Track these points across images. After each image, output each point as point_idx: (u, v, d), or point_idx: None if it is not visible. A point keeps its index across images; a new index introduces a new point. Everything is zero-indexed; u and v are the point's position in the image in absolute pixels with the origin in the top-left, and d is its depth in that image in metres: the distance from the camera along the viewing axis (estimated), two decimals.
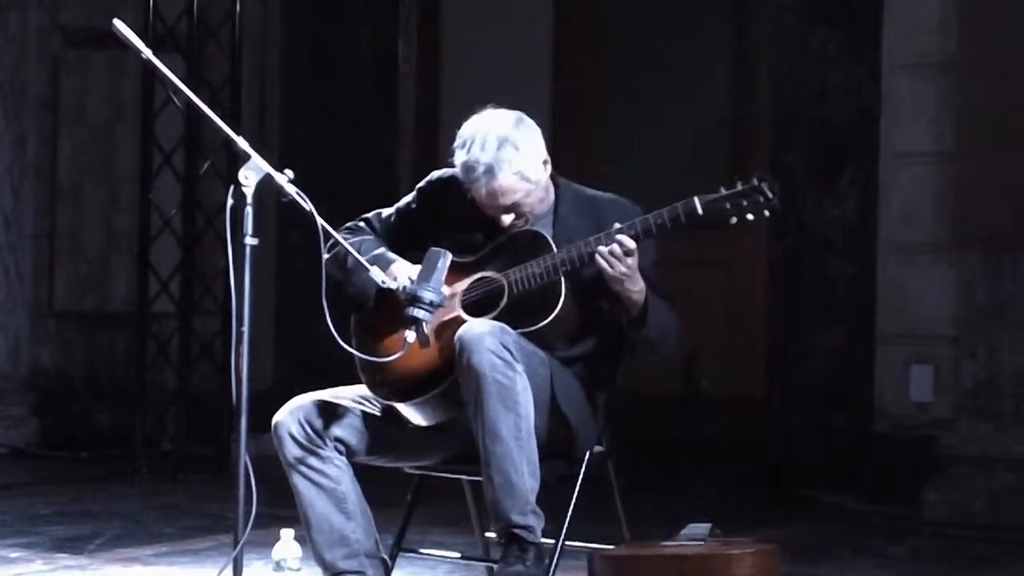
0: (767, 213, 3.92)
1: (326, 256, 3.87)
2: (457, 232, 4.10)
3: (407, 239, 4.16)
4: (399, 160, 8.23)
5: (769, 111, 7.40)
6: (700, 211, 3.90)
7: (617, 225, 3.92)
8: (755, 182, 3.91)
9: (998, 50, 6.31)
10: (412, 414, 4.00)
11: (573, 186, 4.17)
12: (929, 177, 6.65)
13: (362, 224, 4.23)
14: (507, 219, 4.06)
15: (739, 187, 3.91)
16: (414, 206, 4.22)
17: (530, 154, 4.02)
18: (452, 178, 4.15)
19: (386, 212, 4.25)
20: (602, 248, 3.89)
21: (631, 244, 3.89)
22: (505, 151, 3.98)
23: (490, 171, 3.97)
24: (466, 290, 4.04)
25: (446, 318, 3.97)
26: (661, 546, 3.90)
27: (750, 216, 3.91)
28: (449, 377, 3.89)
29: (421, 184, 4.24)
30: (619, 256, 3.88)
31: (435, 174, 4.24)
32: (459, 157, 4.03)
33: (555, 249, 3.98)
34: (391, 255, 4.07)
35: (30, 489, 6.91)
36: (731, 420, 7.29)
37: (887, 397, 6.75)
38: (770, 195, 3.90)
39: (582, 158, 6.94)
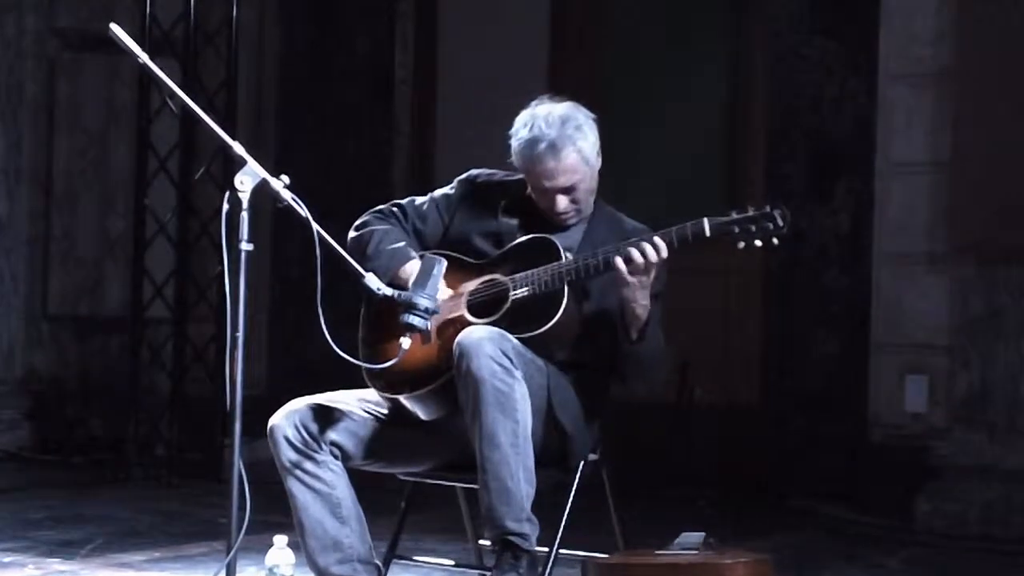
0: (775, 241, 3.90)
1: (353, 234, 4.04)
2: (483, 232, 4.12)
3: (437, 229, 4.18)
4: (395, 165, 8.24)
5: (765, 120, 7.41)
6: (708, 233, 3.89)
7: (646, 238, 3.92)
8: (767, 209, 3.90)
9: (994, 61, 6.31)
10: (409, 408, 4.00)
11: (608, 207, 4.19)
12: (924, 187, 6.64)
13: (395, 210, 4.22)
14: (563, 202, 4.06)
15: (750, 212, 3.90)
16: (452, 197, 4.22)
17: (591, 137, 4.05)
18: (490, 177, 4.20)
19: (419, 200, 4.24)
20: (631, 249, 3.87)
21: (664, 251, 3.88)
22: (569, 128, 4.02)
23: (553, 146, 3.99)
24: (473, 291, 4.05)
25: (450, 316, 3.99)
26: (655, 555, 3.90)
27: (758, 243, 3.87)
28: (447, 373, 3.89)
29: (461, 176, 4.25)
30: (649, 257, 3.86)
31: (474, 171, 4.26)
32: (521, 135, 4.04)
33: (564, 257, 3.98)
34: (410, 251, 4.08)
35: (23, 493, 6.90)
36: (725, 429, 7.28)
37: (881, 407, 6.74)
38: (780, 223, 3.88)
39: None
